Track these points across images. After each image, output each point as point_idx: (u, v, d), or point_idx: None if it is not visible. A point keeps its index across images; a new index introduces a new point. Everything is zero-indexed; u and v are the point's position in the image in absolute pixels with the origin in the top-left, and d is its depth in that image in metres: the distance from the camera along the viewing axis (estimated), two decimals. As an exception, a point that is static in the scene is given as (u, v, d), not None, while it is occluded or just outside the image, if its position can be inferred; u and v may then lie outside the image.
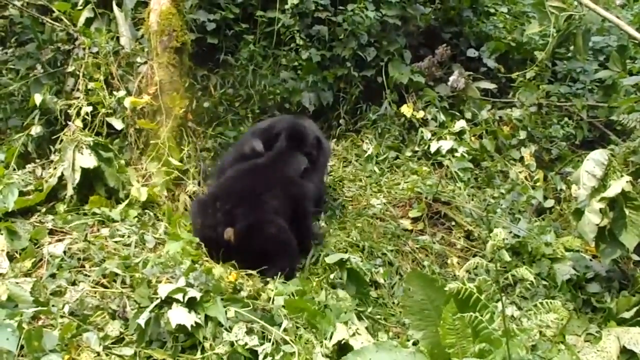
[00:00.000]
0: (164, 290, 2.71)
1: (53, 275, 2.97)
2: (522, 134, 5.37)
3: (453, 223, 4.30)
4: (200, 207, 3.48)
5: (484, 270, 3.11)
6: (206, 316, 2.69)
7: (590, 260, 3.83)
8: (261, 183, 3.52)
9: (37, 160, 4.09)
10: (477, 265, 2.07)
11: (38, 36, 4.75)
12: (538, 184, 4.86)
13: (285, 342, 2.68)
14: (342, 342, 2.75)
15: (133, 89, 4.31)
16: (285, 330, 2.75)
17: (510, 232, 4.13)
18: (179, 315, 2.62)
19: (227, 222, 3.29)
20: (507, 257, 1.86)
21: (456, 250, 4.08)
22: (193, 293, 2.70)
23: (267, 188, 3.47)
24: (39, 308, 2.66)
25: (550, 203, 4.62)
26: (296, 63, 5.33)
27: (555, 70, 6.06)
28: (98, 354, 2.54)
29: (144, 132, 4.18)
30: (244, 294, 2.97)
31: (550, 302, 2.02)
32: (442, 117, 5.41)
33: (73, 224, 3.39)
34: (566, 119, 5.56)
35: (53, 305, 2.73)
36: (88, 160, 3.54)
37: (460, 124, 5.30)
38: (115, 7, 4.64)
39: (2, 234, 3.15)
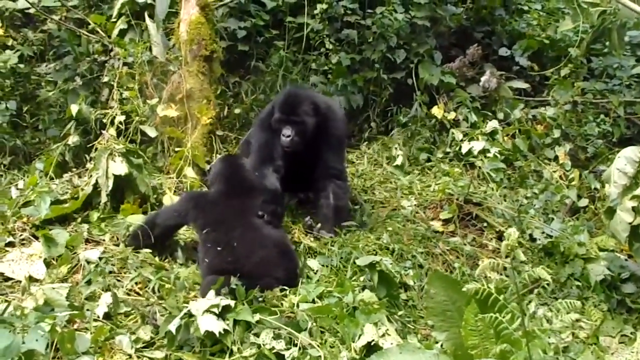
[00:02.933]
0: (197, 306, 2.71)
1: (88, 282, 3.04)
2: (557, 133, 5.28)
3: (485, 224, 4.23)
4: None
5: (515, 272, 3.08)
6: (234, 322, 2.71)
7: (625, 260, 3.74)
8: None
9: (74, 169, 4.21)
10: (507, 267, 2.06)
11: (75, 49, 4.92)
12: (573, 183, 4.76)
13: (312, 346, 2.69)
14: (372, 344, 2.74)
15: (165, 98, 4.41)
16: (310, 334, 2.77)
17: (543, 233, 4.06)
18: (208, 323, 2.65)
19: None
20: (522, 256, 1.84)
21: (487, 252, 4.01)
22: (225, 302, 2.73)
23: None
24: (73, 312, 2.73)
25: (584, 202, 4.52)
26: (326, 67, 5.37)
27: (591, 66, 5.96)
28: (130, 356, 2.59)
29: (175, 140, 4.27)
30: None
31: (571, 302, 1.99)
32: (473, 117, 5.35)
33: (107, 231, 3.49)
34: (602, 116, 5.44)
35: (87, 310, 2.80)
36: (120, 167, 3.60)
37: (492, 124, 5.25)
38: (147, 18, 4.75)
39: (39, 241, 3.26)
